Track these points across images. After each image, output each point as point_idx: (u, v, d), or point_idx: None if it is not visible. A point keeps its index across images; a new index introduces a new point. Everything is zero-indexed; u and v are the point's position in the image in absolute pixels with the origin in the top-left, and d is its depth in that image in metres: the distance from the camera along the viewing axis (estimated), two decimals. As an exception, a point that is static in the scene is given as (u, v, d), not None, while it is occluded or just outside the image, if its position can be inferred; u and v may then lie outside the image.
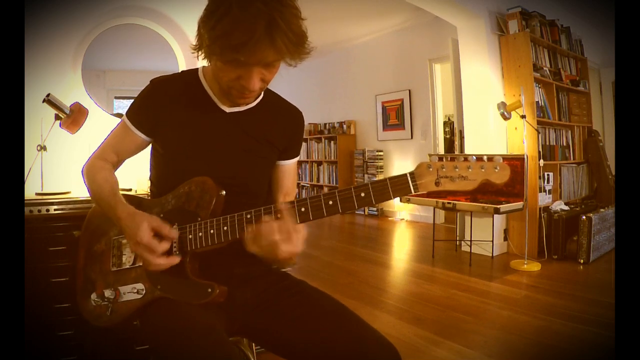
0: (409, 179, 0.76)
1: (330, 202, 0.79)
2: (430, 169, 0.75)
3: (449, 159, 0.78)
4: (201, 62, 0.92)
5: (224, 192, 0.89)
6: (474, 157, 0.76)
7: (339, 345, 0.85)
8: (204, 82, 0.99)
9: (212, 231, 0.86)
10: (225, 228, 0.85)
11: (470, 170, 0.74)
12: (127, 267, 0.92)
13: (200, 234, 0.86)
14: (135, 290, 0.90)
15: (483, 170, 0.74)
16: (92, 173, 1.00)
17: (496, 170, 0.74)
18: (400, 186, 0.76)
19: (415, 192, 0.76)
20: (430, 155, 3.73)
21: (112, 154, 1.04)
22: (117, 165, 1.06)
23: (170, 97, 0.97)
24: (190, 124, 0.96)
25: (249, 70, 0.82)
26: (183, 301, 0.86)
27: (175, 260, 0.86)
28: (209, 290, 0.84)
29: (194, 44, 0.85)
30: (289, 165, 1.09)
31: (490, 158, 0.75)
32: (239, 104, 0.97)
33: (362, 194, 0.78)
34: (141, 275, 0.90)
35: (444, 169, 0.75)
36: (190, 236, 0.87)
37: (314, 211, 0.81)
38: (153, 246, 0.83)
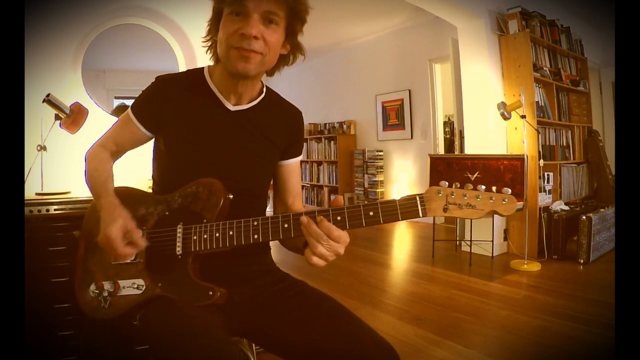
0: (418, 202, 0.77)
1: (339, 218, 0.79)
2: (440, 195, 0.77)
3: (457, 185, 0.81)
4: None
5: (232, 196, 0.89)
6: (483, 187, 0.77)
7: (338, 346, 0.85)
8: (209, 80, 0.99)
9: (217, 235, 0.86)
10: (231, 233, 0.85)
11: (478, 200, 0.76)
12: (128, 261, 0.92)
13: (205, 236, 0.86)
14: (135, 286, 0.90)
15: (491, 201, 0.76)
16: (91, 159, 1.02)
17: (504, 202, 0.76)
18: (409, 209, 0.78)
19: (423, 215, 0.78)
20: (430, 155, 3.71)
21: (113, 144, 1.05)
22: (116, 155, 1.07)
23: (175, 95, 0.97)
24: (193, 121, 0.96)
25: (248, 19, 0.85)
26: (183, 301, 0.86)
27: (131, 254, 0.86)
28: (210, 293, 0.84)
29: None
30: (293, 165, 1.09)
31: (500, 190, 0.77)
32: (238, 71, 0.89)
33: (371, 213, 0.79)
34: (142, 271, 0.90)
35: (453, 196, 0.77)
36: (195, 237, 0.87)
37: None
38: (116, 245, 0.83)
